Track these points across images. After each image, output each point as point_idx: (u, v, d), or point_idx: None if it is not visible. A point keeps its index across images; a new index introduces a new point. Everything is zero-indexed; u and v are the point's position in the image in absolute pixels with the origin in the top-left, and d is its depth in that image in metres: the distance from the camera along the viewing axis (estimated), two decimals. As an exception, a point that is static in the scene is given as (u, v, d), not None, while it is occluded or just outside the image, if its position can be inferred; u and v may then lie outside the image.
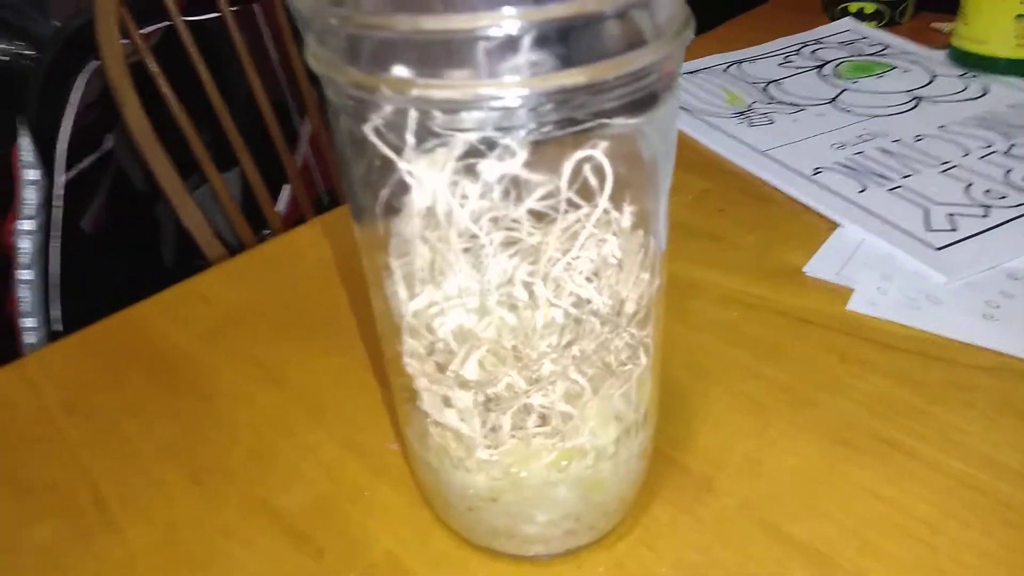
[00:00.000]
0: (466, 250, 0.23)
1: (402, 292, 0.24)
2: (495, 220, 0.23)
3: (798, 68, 0.68)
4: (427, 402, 0.26)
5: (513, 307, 0.24)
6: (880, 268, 0.44)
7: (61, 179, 1.11)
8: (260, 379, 0.40)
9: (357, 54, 0.21)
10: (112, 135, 1.22)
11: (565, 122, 0.22)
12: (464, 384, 0.25)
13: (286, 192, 1.24)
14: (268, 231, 0.98)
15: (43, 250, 1.11)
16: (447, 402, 0.26)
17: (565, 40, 0.21)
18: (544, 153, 0.22)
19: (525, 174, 0.22)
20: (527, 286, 0.24)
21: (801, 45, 0.73)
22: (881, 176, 0.52)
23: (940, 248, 0.45)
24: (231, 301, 0.46)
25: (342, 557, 0.31)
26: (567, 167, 0.23)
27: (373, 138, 0.21)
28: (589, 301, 0.24)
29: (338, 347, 0.42)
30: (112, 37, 0.80)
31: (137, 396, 0.40)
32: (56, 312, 1.15)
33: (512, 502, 0.28)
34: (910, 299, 0.42)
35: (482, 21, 0.19)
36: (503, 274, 0.23)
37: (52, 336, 1.13)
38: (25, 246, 1.09)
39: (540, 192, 0.23)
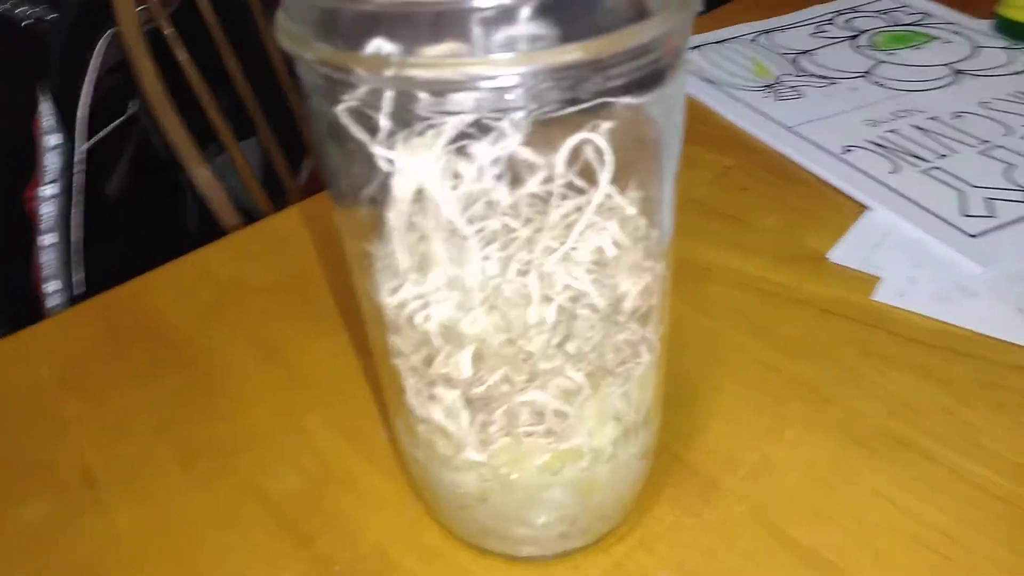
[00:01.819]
0: (455, 239, 0.22)
1: (383, 283, 0.23)
2: (490, 205, 0.22)
3: (832, 38, 0.65)
4: (412, 398, 0.25)
5: (502, 302, 0.22)
6: (910, 256, 0.42)
7: (83, 144, 1.11)
8: (258, 358, 0.39)
9: (330, 29, 0.19)
10: (136, 100, 1.21)
11: (563, 103, 0.20)
12: (450, 381, 0.23)
13: (307, 164, 1.23)
14: (286, 202, 0.98)
15: (65, 215, 1.11)
16: (433, 399, 0.24)
17: (563, 13, 0.19)
18: (543, 134, 0.21)
19: (523, 154, 0.20)
20: (519, 278, 0.22)
21: (835, 13, 0.69)
22: (915, 156, 0.49)
23: (976, 235, 0.42)
24: (234, 276, 0.45)
25: (330, 546, 0.30)
26: (562, 152, 0.21)
27: (346, 121, 0.19)
28: (586, 295, 0.22)
29: (340, 328, 0.41)
30: (127, 3, 0.79)
31: (133, 373, 0.39)
32: (79, 275, 1.15)
33: (503, 503, 0.26)
34: (941, 290, 0.39)
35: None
36: (491, 266, 0.22)
37: (74, 300, 1.14)
38: (47, 211, 1.09)
39: (538, 177, 0.21)
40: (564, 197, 0.22)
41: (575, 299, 0.22)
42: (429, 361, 0.23)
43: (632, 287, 0.23)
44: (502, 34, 0.19)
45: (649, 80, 0.21)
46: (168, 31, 0.82)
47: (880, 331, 0.38)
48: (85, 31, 1.10)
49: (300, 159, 1.20)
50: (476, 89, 0.19)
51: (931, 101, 0.55)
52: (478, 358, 0.22)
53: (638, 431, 0.26)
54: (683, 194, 0.49)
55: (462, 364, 0.22)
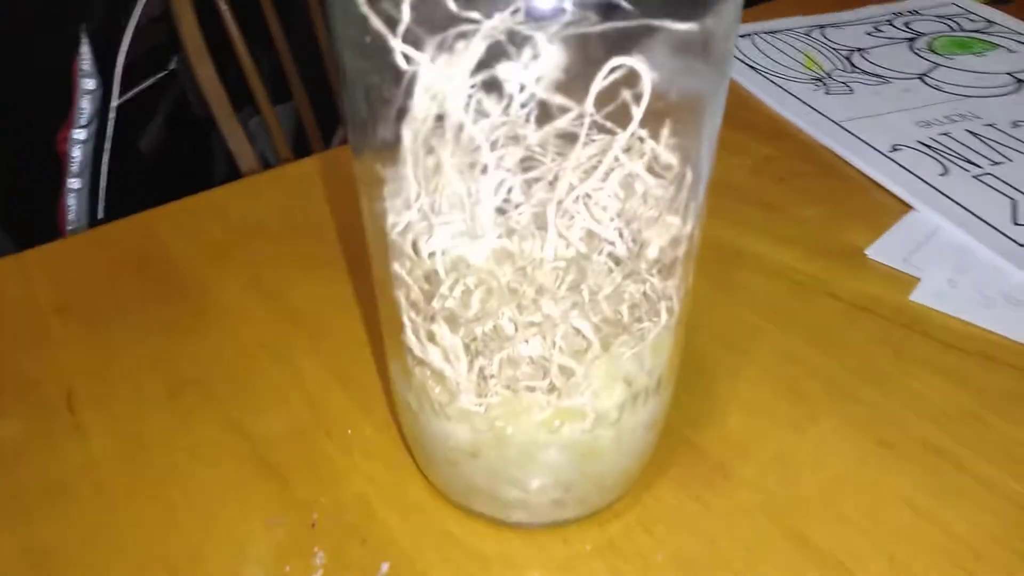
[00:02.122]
0: (471, 164, 0.20)
1: (392, 205, 0.21)
2: (515, 139, 0.20)
3: (889, 39, 0.62)
4: (410, 336, 0.23)
5: (513, 233, 0.20)
6: (954, 259, 0.39)
7: (118, 92, 1.10)
8: (259, 299, 0.38)
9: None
10: (177, 57, 1.20)
11: (604, 13, 0.18)
12: (450, 319, 0.22)
13: (340, 134, 1.22)
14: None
15: (94, 161, 1.11)
16: (432, 338, 0.23)
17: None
18: (579, 61, 0.19)
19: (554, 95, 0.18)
20: (536, 211, 0.20)
21: (895, 14, 0.66)
22: (967, 161, 0.47)
23: (1026, 245, 0.40)
24: (245, 217, 0.43)
25: (309, 491, 0.29)
26: (597, 79, 0.19)
27: (366, 11, 0.18)
28: (605, 238, 0.21)
29: (346, 276, 0.39)
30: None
31: (130, 302, 0.38)
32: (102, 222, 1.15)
33: (494, 459, 0.24)
34: (984, 296, 0.37)
35: None
36: (506, 194, 0.20)
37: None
38: (77, 155, 1.09)
39: (569, 115, 0.19)
40: (593, 135, 0.20)
41: (593, 241, 0.20)
42: (431, 295, 0.21)
43: (656, 236, 0.21)
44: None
45: (693, 8, 0.19)
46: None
47: (915, 333, 0.35)
48: (131, -26, 1.09)
49: (333, 129, 1.19)
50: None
51: (990, 108, 0.52)
52: (482, 292, 0.20)
53: (647, 398, 0.24)
54: (720, 179, 0.46)
55: (454, 298, 0.21)
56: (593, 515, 0.27)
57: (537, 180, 0.20)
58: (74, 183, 1.12)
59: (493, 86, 0.19)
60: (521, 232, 0.20)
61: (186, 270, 0.40)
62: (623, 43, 0.19)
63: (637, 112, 0.19)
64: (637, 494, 0.28)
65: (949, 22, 0.65)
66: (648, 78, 0.19)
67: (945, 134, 0.49)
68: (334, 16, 0.19)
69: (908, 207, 0.43)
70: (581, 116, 0.19)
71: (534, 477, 0.25)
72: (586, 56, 0.19)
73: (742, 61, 0.58)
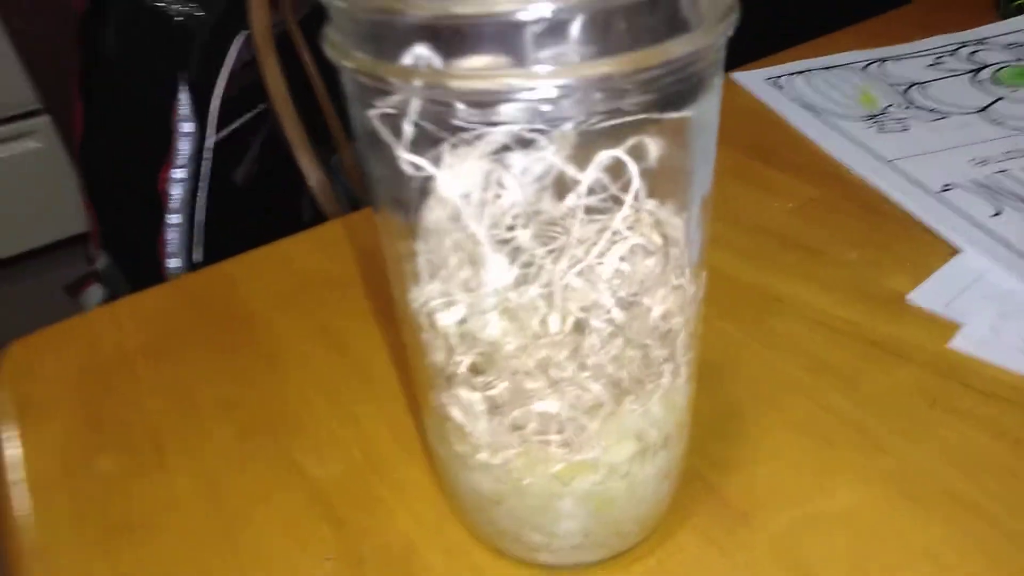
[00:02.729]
0: (479, 247, 0.22)
1: (411, 282, 0.24)
2: (522, 217, 0.22)
3: (950, 71, 0.61)
4: (437, 395, 0.26)
5: (518, 308, 0.22)
6: (1000, 305, 0.39)
7: (213, 133, 1.19)
8: (322, 345, 0.41)
9: (371, 39, 0.20)
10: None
11: (597, 117, 0.20)
12: (468, 383, 0.24)
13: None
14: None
15: (191, 198, 1.20)
16: (454, 398, 0.25)
17: (600, 28, 0.19)
18: (582, 149, 0.21)
19: (557, 168, 0.20)
20: (537, 287, 0.22)
21: (959, 45, 0.65)
22: (1023, 200, 0.46)
23: (1078, 290, 0.39)
24: (311, 267, 0.47)
25: (360, 531, 0.32)
26: (589, 171, 0.21)
27: (377, 125, 0.20)
28: (603, 308, 0.23)
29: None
30: (260, 4, 0.85)
31: (207, 348, 0.42)
32: (199, 255, 1.24)
33: (516, 507, 0.27)
34: (1027, 344, 0.37)
35: (508, 4, 0.18)
36: (511, 275, 0.22)
37: (192, 278, 1.22)
38: (176, 193, 1.18)
39: (575, 192, 0.22)
40: (593, 212, 0.22)
41: (593, 311, 0.23)
42: (449, 360, 0.24)
43: (654, 303, 0.23)
44: (542, 47, 0.19)
45: (681, 97, 0.21)
46: (295, 34, 0.87)
47: (953, 381, 0.35)
48: (226, 29, 1.18)
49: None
50: (510, 101, 0.20)
51: (1052, 143, 0.51)
52: (489, 363, 0.23)
53: (656, 452, 0.26)
54: (760, 222, 0.48)
55: (464, 366, 0.23)
56: (615, 557, 0.29)
57: (541, 258, 0.23)
58: (173, 219, 1.21)
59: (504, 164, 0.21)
60: (524, 306, 0.23)
61: (258, 318, 0.44)
62: (623, 129, 0.21)
63: (629, 193, 0.22)
64: (660, 539, 0.30)
65: (1017, 50, 0.63)
66: (635, 168, 0.21)
67: (1002, 171, 0.49)
68: (352, 123, 0.22)
69: (955, 250, 0.43)
70: (592, 192, 0.22)
71: (553, 523, 0.27)
72: (593, 142, 0.21)
73: (794, 100, 0.59)
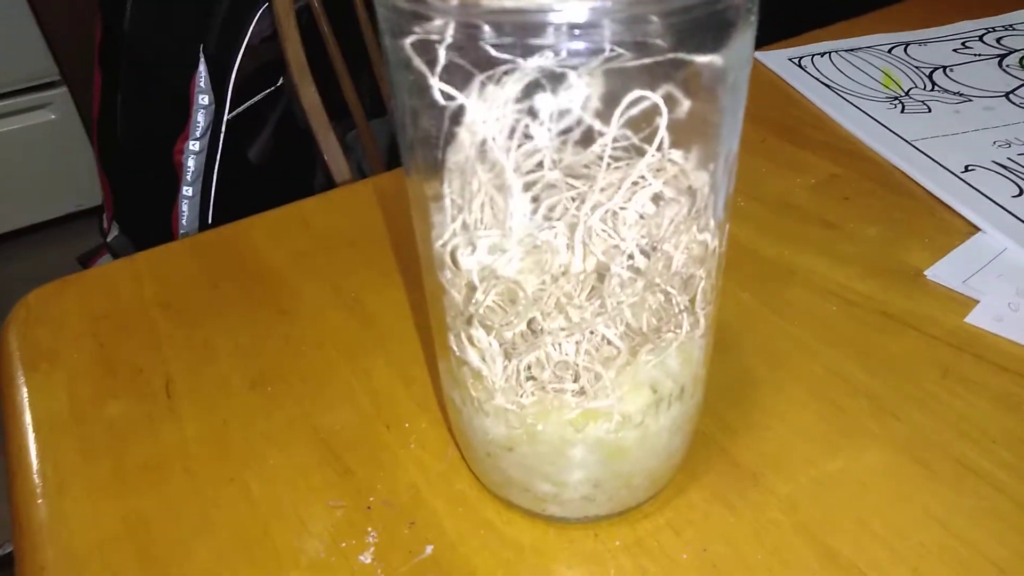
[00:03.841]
0: (506, 187, 0.22)
1: (437, 221, 0.24)
2: (553, 161, 0.22)
3: (976, 55, 0.61)
4: (453, 338, 0.26)
5: (542, 247, 0.22)
6: (1018, 283, 0.39)
7: (228, 108, 1.19)
8: (336, 303, 0.41)
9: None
10: (285, 73, 1.29)
11: (631, 52, 0.20)
12: (486, 324, 0.24)
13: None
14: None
15: (206, 171, 1.20)
16: (471, 340, 0.25)
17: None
18: (612, 93, 0.21)
19: (586, 117, 0.20)
20: (562, 227, 0.22)
21: (986, 30, 0.65)
22: (1045, 182, 0.46)
23: (1098, 269, 0.39)
24: (327, 227, 0.47)
25: (366, 480, 0.32)
26: (618, 111, 0.21)
27: (410, 53, 0.20)
28: (626, 251, 0.23)
29: (415, 282, 0.42)
30: (281, -27, 0.85)
31: (223, 302, 0.42)
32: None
33: (528, 454, 0.27)
34: (1045, 320, 0.36)
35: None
36: (537, 214, 0.22)
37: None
38: (191, 165, 1.19)
39: (602, 139, 0.21)
40: (619, 158, 0.22)
41: (615, 254, 0.22)
42: (469, 301, 0.24)
43: (676, 251, 0.23)
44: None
45: (711, 41, 0.21)
46: (316, 5, 0.87)
47: (966, 354, 0.35)
48: (246, 2, 1.18)
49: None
50: (542, 24, 0.19)
51: (1076, 127, 0.50)
52: (510, 301, 0.23)
53: (671, 404, 0.26)
54: (781, 197, 0.47)
55: (485, 305, 0.23)
56: (624, 513, 0.29)
57: (571, 199, 0.23)
58: (188, 191, 1.22)
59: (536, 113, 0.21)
60: (549, 246, 0.22)
61: (273, 274, 0.44)
62: (653, 73, 0.21)
63: (657, 137, 0.22)
64: (668, 497, 0.30)
65: (1044, 37, 0.63)
66: (665, 109, 0.21)
67: (1025, 154, 0.48)
68: (385, 56, 0.22)
69: (975, 229, 0.43)
70: (613, 140, 0.21)
71: (564, 472, 0.27)
72: (622, 84, 0.21)
73: (816, 79, 0.58)
